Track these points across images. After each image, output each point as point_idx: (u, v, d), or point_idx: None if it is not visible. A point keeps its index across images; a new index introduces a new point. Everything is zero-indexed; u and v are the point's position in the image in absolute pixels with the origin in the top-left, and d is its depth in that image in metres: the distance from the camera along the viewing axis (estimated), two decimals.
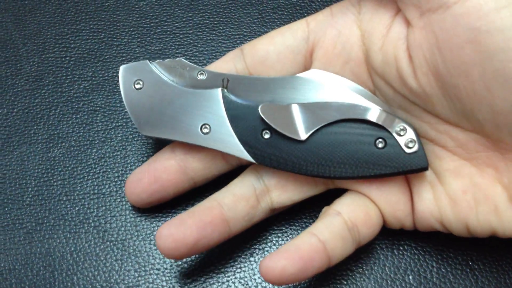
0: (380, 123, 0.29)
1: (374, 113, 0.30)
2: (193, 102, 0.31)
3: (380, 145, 0.30)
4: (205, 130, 0.31)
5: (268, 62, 0.32)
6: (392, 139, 0.30)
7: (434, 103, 0.29)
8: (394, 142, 0.30)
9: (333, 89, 0.31)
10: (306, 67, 0.33)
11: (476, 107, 0.26)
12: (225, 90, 0.31)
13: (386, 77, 0.30)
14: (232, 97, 0.31)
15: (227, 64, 0.33)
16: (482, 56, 0.24)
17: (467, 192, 0.29)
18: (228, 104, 0.31)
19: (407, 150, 0.29)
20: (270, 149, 0.31)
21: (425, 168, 0.29)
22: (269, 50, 0.32)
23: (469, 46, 0.24)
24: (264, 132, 0.31)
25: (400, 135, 0.29)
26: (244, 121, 0.31)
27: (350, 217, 0.30)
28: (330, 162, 0.30)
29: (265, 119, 0.30)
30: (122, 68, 0.33)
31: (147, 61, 0.33)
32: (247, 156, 0.31)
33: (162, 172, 0.32)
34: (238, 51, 0.33)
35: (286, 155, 0.30)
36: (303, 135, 0.30)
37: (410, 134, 0.29)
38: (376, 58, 0.30)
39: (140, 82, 0.32)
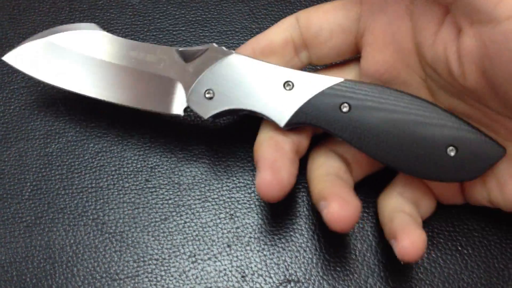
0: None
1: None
2: None
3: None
4: None
5: (321, 38, 0.33)
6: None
7: (485, 99, 0.29)
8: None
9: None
10: (358, 48, 0.33)
11: None
12: None
13: (437, 71, 0.30)
14: None
15: (283, 33, 0.33)
16: None
17: None
18: None
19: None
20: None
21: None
22: (323, 27, 0.32)
23: None
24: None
25: None
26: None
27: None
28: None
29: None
30: None
31: None
32: None
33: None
34: (294, 20, 0.33)
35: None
36: None
37: None
38: (427, 53, 0.30)
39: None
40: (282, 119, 0.31)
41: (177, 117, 0.34)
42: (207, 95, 0.32)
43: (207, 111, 0.32)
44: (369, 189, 0.35)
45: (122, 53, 0.34)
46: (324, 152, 0.33)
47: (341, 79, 0.31)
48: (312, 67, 0.38)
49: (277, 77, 0.31)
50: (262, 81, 0.32)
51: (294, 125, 0.32)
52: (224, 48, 0.33)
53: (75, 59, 0.35)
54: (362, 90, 0.30)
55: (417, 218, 0.32)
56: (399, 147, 0.30)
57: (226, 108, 0.32)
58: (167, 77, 0.33)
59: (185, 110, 0.33)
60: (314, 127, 0.32)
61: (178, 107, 0.33)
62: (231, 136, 0.37)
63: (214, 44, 0.33)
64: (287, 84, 0.31)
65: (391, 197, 0.33)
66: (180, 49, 0.33)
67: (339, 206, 0.29)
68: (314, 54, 0.34)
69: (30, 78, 0.40)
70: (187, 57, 0.33)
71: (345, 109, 0.30)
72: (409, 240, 0.29)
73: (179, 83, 0.33)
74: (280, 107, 0.31)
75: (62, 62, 0.35)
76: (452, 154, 0.29)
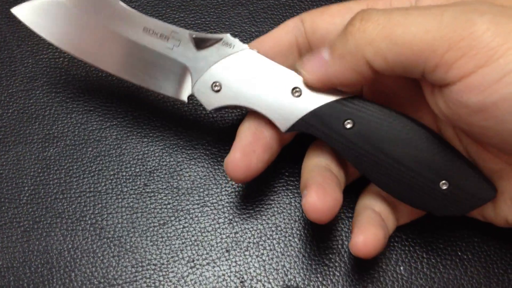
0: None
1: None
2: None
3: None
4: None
5: (327, 41, 0.32)
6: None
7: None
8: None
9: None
10: None
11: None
12: None
13: None
14: None
15: (288, 35, 0.33)
16: (493, 120, 0.25)
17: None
18: None
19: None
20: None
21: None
22: (329, 30, 0.32)
23: (478, 115, 0.25)
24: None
25: None
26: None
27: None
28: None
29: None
30: None
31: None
32: None
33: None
34: (299, 22, 0.33)
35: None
36: None
37: None
38: None
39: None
40: (284, 124, 0.31)
41: (180, 103, 0.34)
42: (214, 88, 0.32)
43: (211, 103, 0.32)
44: None
45: (135, 27, 0.33)
46: (322, 146, 0.33)
47: (350, 94, 0.31)
48: None
49: (287, 81, 0.31)
50: (271, 83, 0.31)
51: (295, 131, 0.31)
52: (238, 40, 0.32)
53: (85, 24, 0.33)
54: (368, 109, 0.30)
55: (387, 217, 0.32)
56: (394, 173, 0.30)
57: (231, 103, 0.32)
58: (176, 61, 0.33)
59: (189, 98, 0.33)
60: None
61: (182, 93, 0.33)
62: (230, 140, 0.37)
63: (229, 35, 0.32)
64: (296, 91, 0.31)
65: (368, 194, 0.33)
66: (194, 34, 0.32)
67: (317, 196, 0.29)
68: None
69: (29, 82, 0.40)
70: (199, 44, 0.32)
71: (348, 125, 0.30)
72: (363, 237, 0.30)
73: (187, 69, 0.32)
74: (285, 112, 0.31)
75: (72, 26, 0.34)
76: (444, 188, 0.29)
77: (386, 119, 0.30)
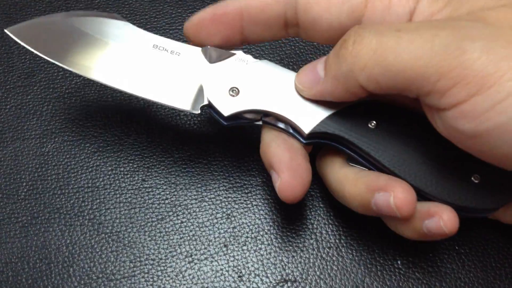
0: None
1: None
2: None
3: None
4: None
5: (317, 27, 0.31)
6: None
7: None
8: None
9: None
10: None
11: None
12: None
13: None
14: None
15: (279, 6, 0.31)
16: (488, 146, 0.25)
17: None
18: None
19: None
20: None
21: None
22: (322, 17, 0.31)
23: (472, 140, 0.26)
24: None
25: None
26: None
27: None
28: None
29: None
30: None
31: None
32: None
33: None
34: None
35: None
36: None
37: None
38: None
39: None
40: (307, 126, 0.30)
41: (193, 115, 0.34)
42: (231, 93, 0.31)
43: (229, 108, 0.31)
44: None
45: (145, 46, 0.33)
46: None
47: (371, 99, 0.30)
48: None
49: None
50: (291, 87, 0.31)
51: (317, 135, 0.31)
52: (251, 56, 0.32)
53: (95, 45, 0.33)
54: (390, 111, 0.30)
55: None
56: (424, 168, 0.30)
57: (250, 108, 0.31)
58: (189, 75, 0.32)
59: (202, 108, 0.32)
60: (336, 143, 0.31)
61: (195, 105, 0.32)
62: (228, 136, 0.37)
63: (241, 52, 0.32)
64: None
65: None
66: (207, 49, 0.33)
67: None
68: (304, 34, 0.32)
69: (26, 78, 0.40)
70: (212, 58, 0.32)
71: (373, 125, 0.30)
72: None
73: (200, 81, 0.32)
74: (307, 114, 0.30)
75: (82, 47, 0.33)
76: (476, 181, 0.29)
77: (409, 119, 0.30)
